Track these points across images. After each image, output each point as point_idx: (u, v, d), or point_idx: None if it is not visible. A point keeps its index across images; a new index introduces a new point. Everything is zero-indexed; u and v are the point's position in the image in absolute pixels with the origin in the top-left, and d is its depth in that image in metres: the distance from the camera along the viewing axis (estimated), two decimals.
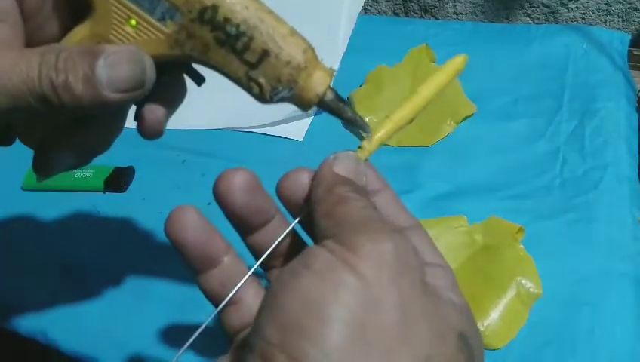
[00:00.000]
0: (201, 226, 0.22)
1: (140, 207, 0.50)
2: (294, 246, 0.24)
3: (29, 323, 0.43)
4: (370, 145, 0.24)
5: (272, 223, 0.24)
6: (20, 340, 0.43)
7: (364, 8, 0.72)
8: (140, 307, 0.43)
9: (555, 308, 0.39)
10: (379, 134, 0.24)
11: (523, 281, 0.39)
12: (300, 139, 0.54)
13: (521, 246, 0.41)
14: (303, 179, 0.23)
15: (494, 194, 0.46)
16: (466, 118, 0.52)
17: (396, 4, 0.74)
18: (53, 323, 0.43)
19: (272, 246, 0.23)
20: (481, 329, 0.38)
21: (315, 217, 0.20)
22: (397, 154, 0.50)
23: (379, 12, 0.76)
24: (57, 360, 0.43)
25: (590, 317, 0.38)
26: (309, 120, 0.55)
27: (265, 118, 0.55)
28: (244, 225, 0.24)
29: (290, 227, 0.23)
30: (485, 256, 0.42)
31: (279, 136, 0.54)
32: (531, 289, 0.39)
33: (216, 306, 0.23)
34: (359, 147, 0.24)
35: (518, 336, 0.38)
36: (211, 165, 0.52)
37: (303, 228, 0.24)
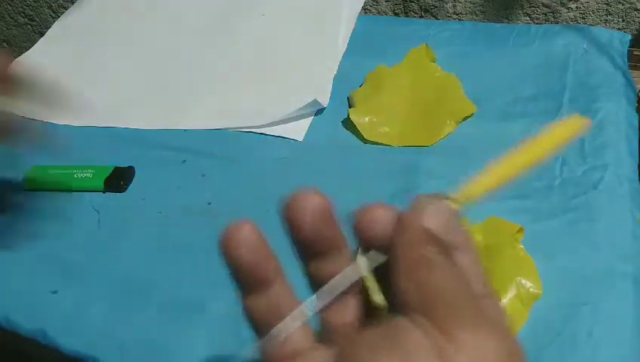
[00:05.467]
0: (257, 245, 0.19)
1: (140, 207, 0.50)
2: (362, 290, 0.21)
3: (29, 323, 0.43)
4: (464, 196, 0.20)
5: (340, 254, 0.20)
6: (20, 340, 0.43)
7: (364, 8, 0.72)
8: (140, 307, 0.43)
9: (555, 308, 0.39)
10: (480, 185, 0.21)
11: (523, 281, 0.39)
12: (300, 139, 0.54)
13: (521, 246, 0.41)
14: (383, 217, 0.20)
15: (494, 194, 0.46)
16: (466, 118, 0.52)
17: (396, 4, 0.74)
18: (53, 323, 0.43)
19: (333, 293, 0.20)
20: None
21: (393, 271, 0.18)
22: (397, 154, 0.50)
23: (379, 12, 0.76)
24: (57, 360, 0.43)
25: (590, 317, 0.38)
26: (309, 120, 0.55)
27: (265, 118, 0.55)
28: (309, 252, 0.20)
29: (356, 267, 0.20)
30: (485, 256, 0.42)
31: (279, 136, 0.54)
32: (531, 289, 0.39)
33: (258, 334, 0.20)
34: (449, 196, 0.21)
35: (518, 336, 0.38)
36: (211, 165, 0.52)
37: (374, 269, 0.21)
